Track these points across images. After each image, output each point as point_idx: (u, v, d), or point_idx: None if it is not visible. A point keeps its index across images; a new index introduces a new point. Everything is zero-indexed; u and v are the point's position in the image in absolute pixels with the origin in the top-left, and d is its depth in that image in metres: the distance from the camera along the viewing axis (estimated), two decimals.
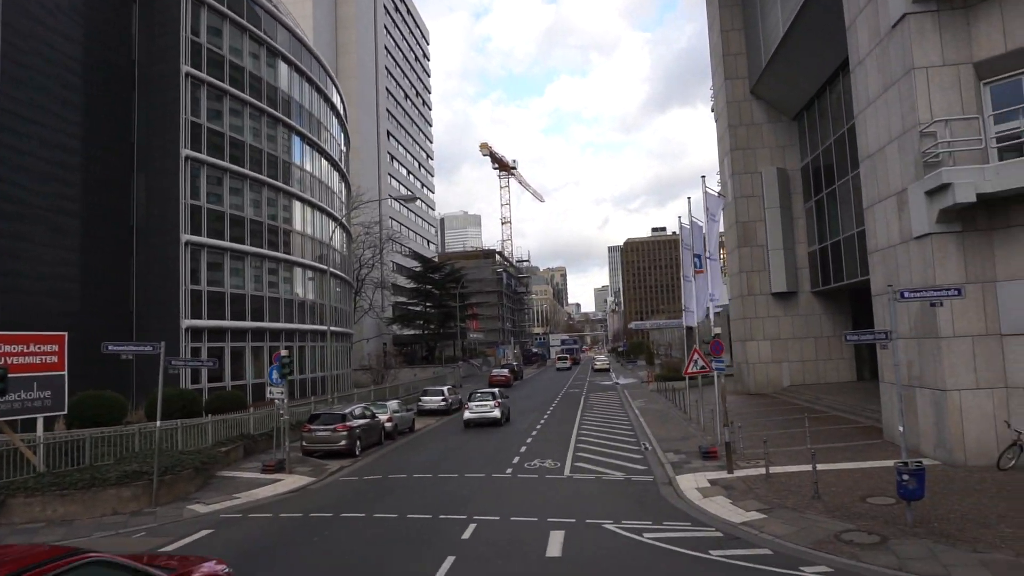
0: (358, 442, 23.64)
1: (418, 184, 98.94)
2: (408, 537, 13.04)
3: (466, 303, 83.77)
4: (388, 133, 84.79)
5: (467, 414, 31.06)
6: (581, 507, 14.91)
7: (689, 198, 25.95)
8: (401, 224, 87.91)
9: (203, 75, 31.64)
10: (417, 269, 78.65)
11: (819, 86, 32.02)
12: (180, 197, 30.05)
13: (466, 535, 12.96)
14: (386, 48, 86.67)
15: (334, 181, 47.66)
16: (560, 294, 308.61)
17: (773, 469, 17.17)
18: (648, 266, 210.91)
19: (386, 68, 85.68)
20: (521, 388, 57.94)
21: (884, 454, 18.24)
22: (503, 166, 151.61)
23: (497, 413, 30.84)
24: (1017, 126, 15.96)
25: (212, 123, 32.23)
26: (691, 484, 16.55)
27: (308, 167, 42.04)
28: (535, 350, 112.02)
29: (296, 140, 40.34)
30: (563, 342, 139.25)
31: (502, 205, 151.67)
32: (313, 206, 41.89)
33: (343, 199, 50.37)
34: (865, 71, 19.68)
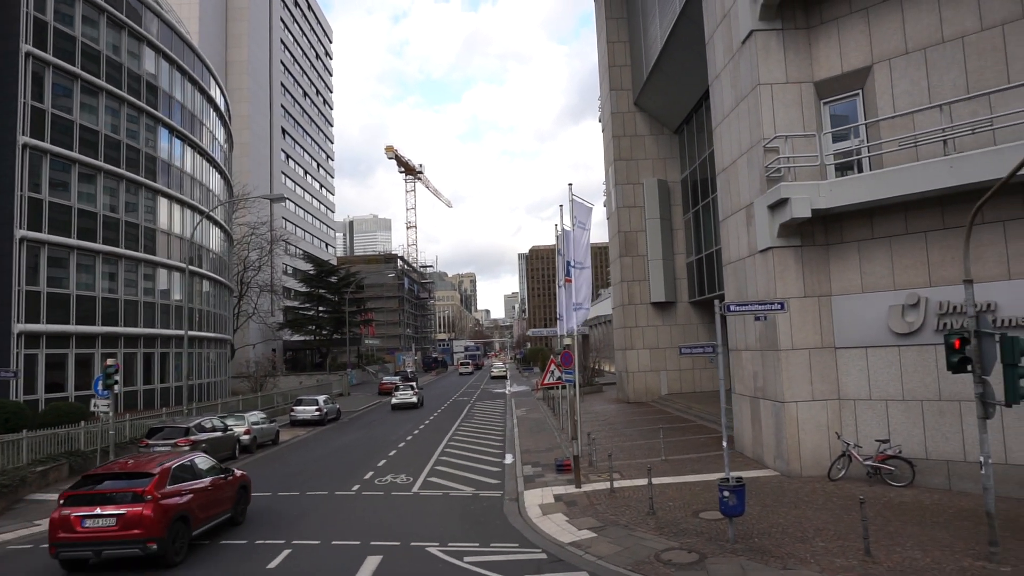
0: None
1: (316, 185, 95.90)
2: (207, 568, 11.84)
3: (361, 308, 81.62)
4: (284, 131, 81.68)
5: (394, 400, 44.55)
6: (414, 527, 14.12)
7: (561, 206, 25.58)
8: (296, 226, 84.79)
9: (48, 56, 28.93)
10: (312, 272, 75.90)
11: (696, 100, 32.71)
12: (16, 189, 27.27)
13: (274, 564, 11.90)
14: (283, 43, 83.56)
15: (212, 179, 45.08)
16: (468, 300, 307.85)
17: (622, 482, 16.97)
18: (552, 273, 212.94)
19: (282, 63, 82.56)
20: None
21: (735, 466, 18.36)
22: (409, 170, 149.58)
23: (415, 399, 44.33)
24: (851, 145, 16.43)
25: (59, 110, 29.50)
26: (536, 500, 16.06)
27: (179, 163, 39.47)
28: (435, 356, 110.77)
29: (164, 133, 37.73)
30: (467, 348, 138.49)
31: (407, 209, 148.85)
32: (184, 204, 39.34)
33: (222, 198, 47.74)
34: (721, 86, 19.96)
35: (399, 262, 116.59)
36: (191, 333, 41.31)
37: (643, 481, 17.00)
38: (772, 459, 17.29)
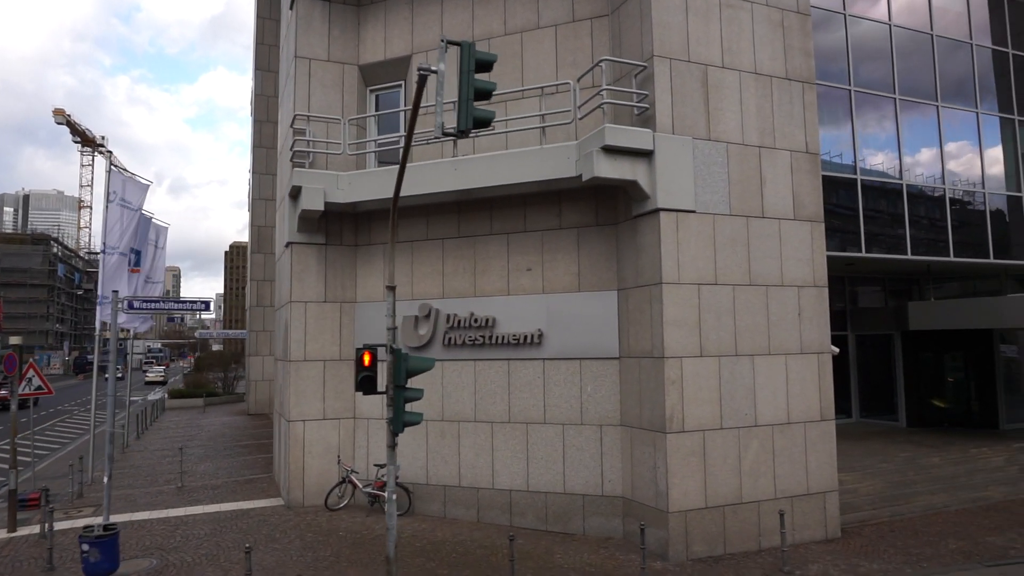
0: None
1: None
2: None
3: None
4: None
5: (147, 376, 61.11)
6: None
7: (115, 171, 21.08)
8: None
9: None
10: None
11: None
12: None
13: None
14: None
15: None
16: (167, 295, 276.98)
17: (90, 520, 13.45)
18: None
19: None
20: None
21: (256, 494, 15.89)
22: (86, 140, 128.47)
23: (163, 377, 60.88)
24: (393, 137, 14.98)
25: None
26: None
27: None
28: (91, 357, 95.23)
29: None
30: (150, 350, 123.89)
31: (82, 187, 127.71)
32: None
33: None
34: (280, 59, 17.71)
35: (54, 245, 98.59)
36: None
37: (147, 515, 13.83)
38: (282, 486, 15.12)
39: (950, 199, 19.20)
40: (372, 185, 13.75)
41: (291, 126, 14.62)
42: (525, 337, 13.11)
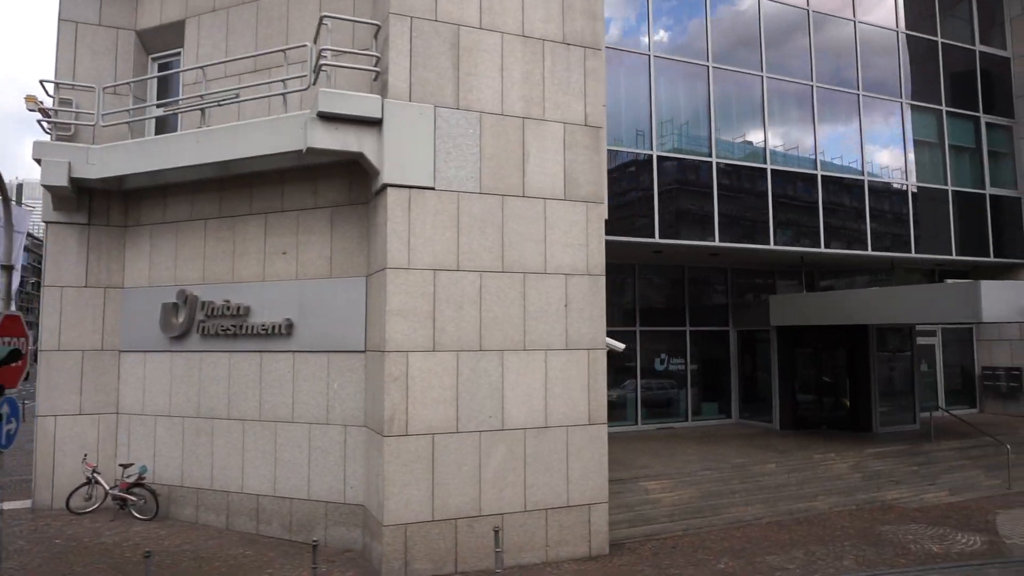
0: None
1: None
2: None
3: None
4: None
5: None
6: None
7: None
8: None
9: None
10: None
11: None
12: None
13: None
14: None
15: None
16: None
17: None
18: None
19: None
20: None
21: (18, 494, 14.60)
22: None
23: None
24: (149, 105, 13.81)
25: None
26: None
27: None
28: None
29: None
30: None
31: None
32: None
33: None
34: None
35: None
36: None
37: None
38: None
39: (823, 184, 17.94)
40: (126, 159, 12.52)
41: (50, 94, 13.41)
42: (275, 327, 11.88)
